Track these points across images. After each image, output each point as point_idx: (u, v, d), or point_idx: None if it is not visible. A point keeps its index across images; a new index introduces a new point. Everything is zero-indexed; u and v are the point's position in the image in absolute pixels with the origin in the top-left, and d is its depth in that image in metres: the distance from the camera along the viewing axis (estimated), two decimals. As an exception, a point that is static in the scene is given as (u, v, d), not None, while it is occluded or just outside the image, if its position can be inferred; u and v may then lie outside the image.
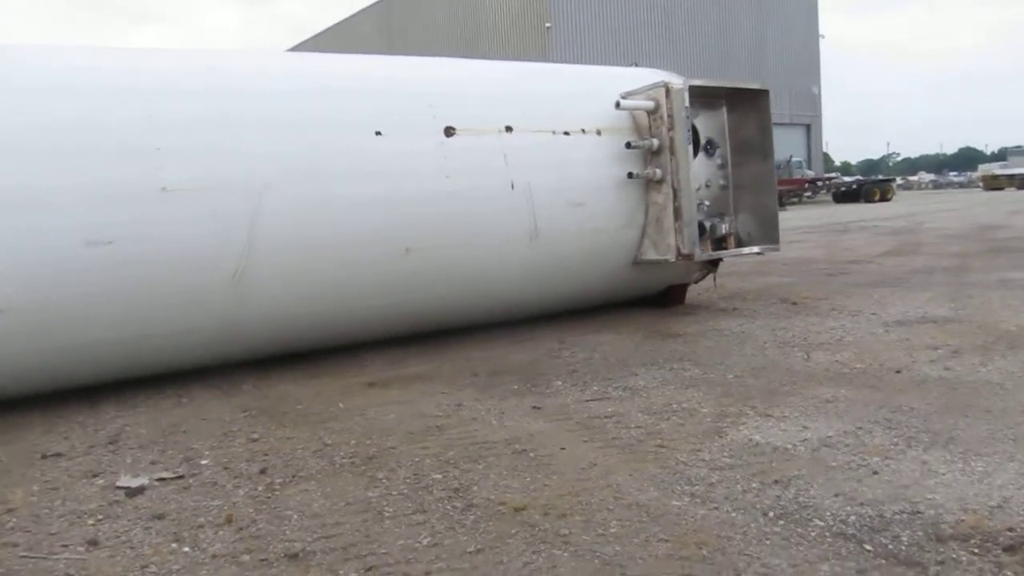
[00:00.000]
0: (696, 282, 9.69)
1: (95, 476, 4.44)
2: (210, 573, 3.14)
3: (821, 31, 64.99)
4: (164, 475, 4.34)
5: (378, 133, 6.81)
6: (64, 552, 3.46)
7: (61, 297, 5.61)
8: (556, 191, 7.71)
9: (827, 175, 60.92)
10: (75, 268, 5.61)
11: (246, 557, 3.27)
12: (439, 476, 4.03)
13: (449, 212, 7.07)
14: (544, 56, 37.84)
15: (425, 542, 3.28)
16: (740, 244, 9.00)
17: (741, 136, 9.04)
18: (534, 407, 5.27)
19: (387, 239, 6.80)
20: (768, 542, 3.12)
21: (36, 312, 5.54)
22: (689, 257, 8.17)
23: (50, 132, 5.65)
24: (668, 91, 8.10)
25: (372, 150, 6.77)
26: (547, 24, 44.09)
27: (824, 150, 75.89)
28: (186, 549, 3.40)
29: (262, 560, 3.23)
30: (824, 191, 53.46)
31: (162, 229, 5.88)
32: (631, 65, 10.55)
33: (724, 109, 9.06)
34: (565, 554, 3.09)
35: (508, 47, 42.18)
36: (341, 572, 3.06)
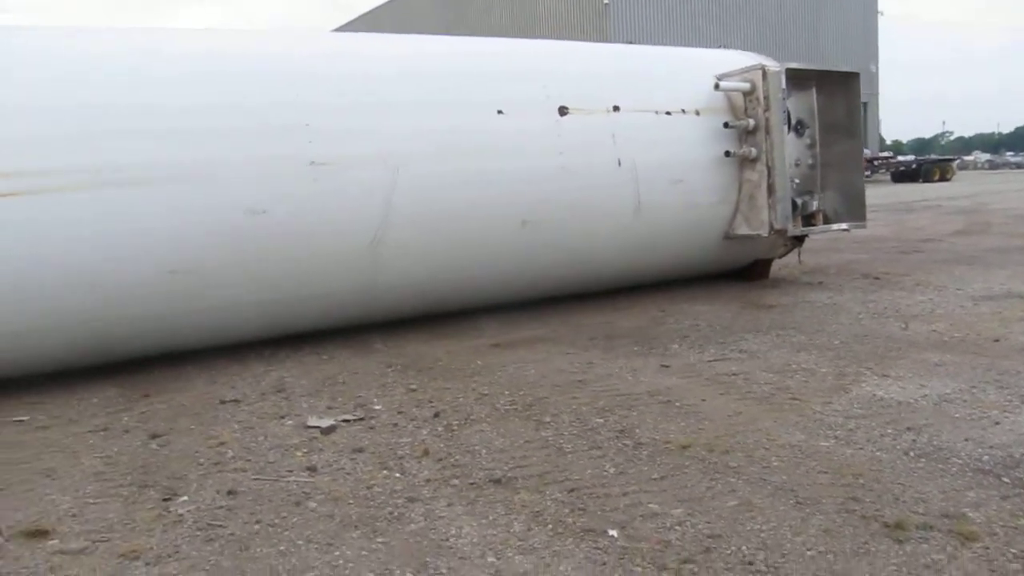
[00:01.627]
0: (780, 257, 10.07)
1: (282, 418, 5.02)
2: (430, 492, 3.68)
3: (880, 8, 64.16)
4: (347, 417, 4.90)
5: (499, 112, 7.30)
6: (290, 476, 4.02)
7: (223, 261, 6.19)
8: (658, 168, 8.15)
9: (883, 154, 60.39)
10: (236, 235, 6.18)
11: (456, 481, 3.80)
12: (600, 420, 4.54)
13: (562, 187, 7.55)
14: (603, 34, 37.98)
15: (611, 471, 3.79)
16: (827, 221, 9.40)
17: (829, 116, 9.41)
18: (662, 366, 5.75)
19: (506, 212, 7.30)
20: (916, 475, 3.58)
21: (202, 273, 6.13)
22: (782, 232, 8.59)
23: (214, 112, 6.21)
24: (765, 73, 8.49)
25: (494, 129, 7.26)
26: (605, 1, 44.29)
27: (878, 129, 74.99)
28: (397, 475, 3.94)
29: (471, 484, 3.76)
30: (882, 170, 53.05)
31: (310, 200, 6.43)
32: (718, 47, 10.92)
33: (813, 90, 9.42)
34: (739, 481, 3.59)
35: (566, 25, 42.38)
36: (547, 492, 3.58)
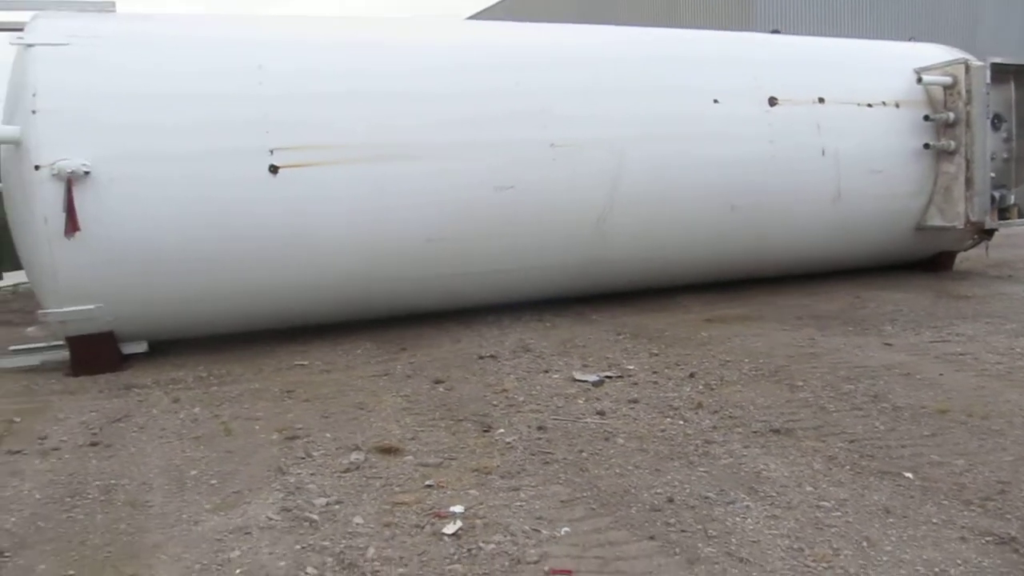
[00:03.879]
0: (966, 250, 10.20)
1: (546, 371, 5.64)
2: (721, 436, 4.22)
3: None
4: (608, 374, 5.49)
5: (715, 101, 7.77)
6: (585, 418, 4.62)
7: (472, 231, 6.87)
8: (858, 158, 8.48)
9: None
10: (485, 208, 6.86)
11: (739, 430, 4.33)
12: (850, 387, 5.00)
13: (769, 173, 7.98)
14: (748, 19, 37.58)
15: (881, 428, 4.26)
16: (1021, 215, 9.50)
17: (1026, 111, 9.49)
18: (885, 344, 6.15)
19: (718, 196, 7.78)
20: None
21: (453, 242, 6.83)
22: (978, 224, 8.79)
23: (465, 99, 6.89)
24: (968, 68, 8.69)
25: (711, 116, 7.75)
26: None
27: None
28: (681, 422, 4.50)
29: (754, 432, 4.29)
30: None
31: (549, 179, 7.06)
32: (908, 39, 11.04)
33: (1012, 84, 9.51)
34: (1007, 441, 4.01)
35: (709, 9, 42.02)
36: (829, 442, 4.08)
